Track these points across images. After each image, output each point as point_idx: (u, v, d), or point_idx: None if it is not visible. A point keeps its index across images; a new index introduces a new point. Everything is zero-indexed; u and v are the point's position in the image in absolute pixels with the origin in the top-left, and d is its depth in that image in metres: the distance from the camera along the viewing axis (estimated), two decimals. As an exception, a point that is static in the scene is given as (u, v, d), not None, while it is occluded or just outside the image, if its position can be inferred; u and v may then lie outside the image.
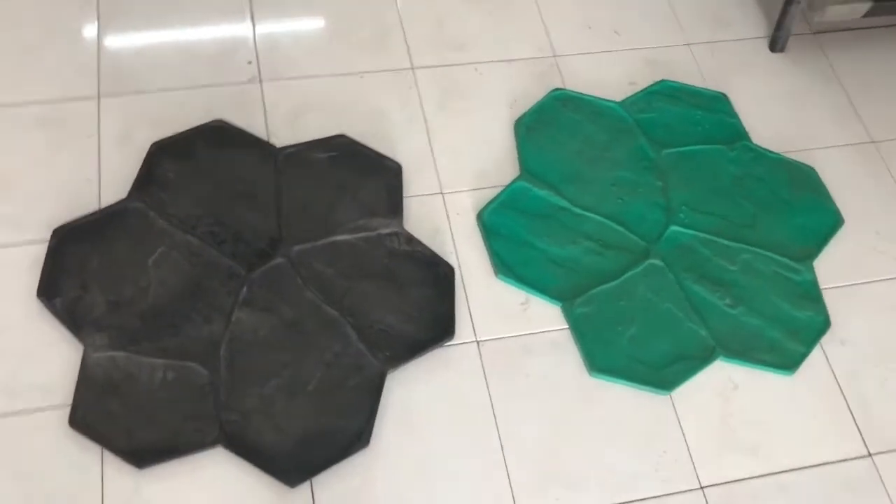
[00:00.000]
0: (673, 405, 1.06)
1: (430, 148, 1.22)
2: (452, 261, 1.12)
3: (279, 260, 1.08)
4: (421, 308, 1.07)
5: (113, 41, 1.26)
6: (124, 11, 1.29)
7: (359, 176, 1.17)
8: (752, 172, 1.26)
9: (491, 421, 1.02)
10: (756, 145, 1.29)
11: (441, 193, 1.19)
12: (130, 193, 1.11)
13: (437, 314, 1.07)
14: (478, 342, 1.07)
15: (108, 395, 0.97)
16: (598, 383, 1.06)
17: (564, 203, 1.18)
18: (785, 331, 1.12)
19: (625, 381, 1.06)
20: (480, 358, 1.06)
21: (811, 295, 1.16)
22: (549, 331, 1.09)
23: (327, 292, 1.07)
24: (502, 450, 1.00)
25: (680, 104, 1.32)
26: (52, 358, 0.99)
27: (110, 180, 1.13)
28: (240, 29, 1.30)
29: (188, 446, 0.94)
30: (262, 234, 1.10)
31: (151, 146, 1.15)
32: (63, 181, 1.12)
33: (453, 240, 1.15)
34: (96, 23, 1.27)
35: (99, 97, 1.20)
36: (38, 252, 1.06)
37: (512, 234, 1.15)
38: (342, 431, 0.98)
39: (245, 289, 1.05)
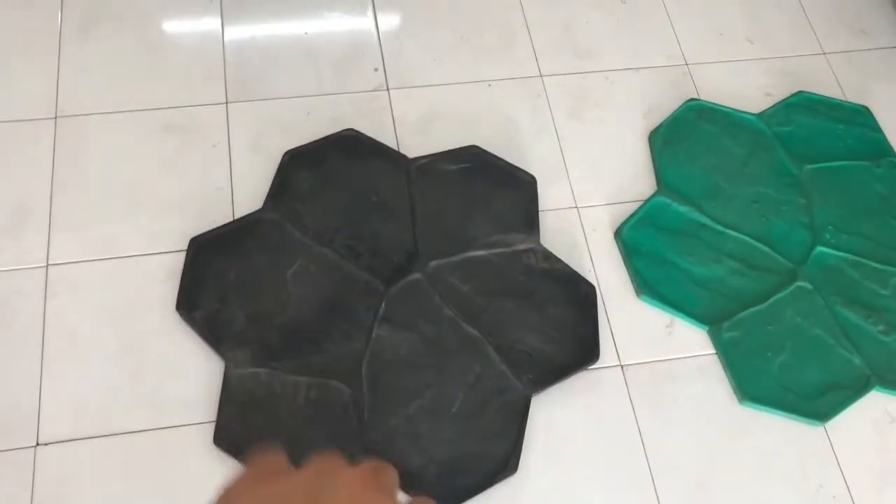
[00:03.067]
0: (828, 437, 1.01)
1: (562, 159, 1.18)
2: (591, 279, 1.08)
3: (416, 275, 1.05)
4: (562, 329, 1.04)
5: (237, 45, 1.24)
6: (248, 13, 1.27)
7: (492, 188, 1.13)
8: (899, 190, 1.20)
9: (640, 449, 0.98)
10: (903, 162, 1.23)
11: (576, 207, 1.14)
12: (266, 203, 1.08)
13: (579, 336, 1.03)
14: (622, 366, 1.03)
15: (251, 413, 0.95)
16: (748, 412, 1.01)
17: (706, 220, 1.14)
18: (944, 361, 1.06)
19: (777, 411, 1.01)
20: (625, 383, 1.02)
21: (969, 322, 1.09)
22: (695, 356, 1.05)
23: (465, 310, 1.03)
24: (652, 480, 0.96)
25: (820, 117, 1.26)
26: (193, 372, 0.98)
27: (243, 189, 1.11)
28: (364, 35, 1.27)
29: (334, 468, 0.92)
30: (399, 249, 1.07)
31: (284, 155, 1.12)
32: (195, 190, 1.11)
33: (591, 257, 1.11)
34: (220, 23, 1.25)
35: (227, 102, 1.18)
36: (174, 262, 1.04)
37: (652, 251, 1.11)
38: (488, 457, 0.95)
39: (384, 305, 1.02)
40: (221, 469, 0.92)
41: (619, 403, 1.01)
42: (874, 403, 1.04)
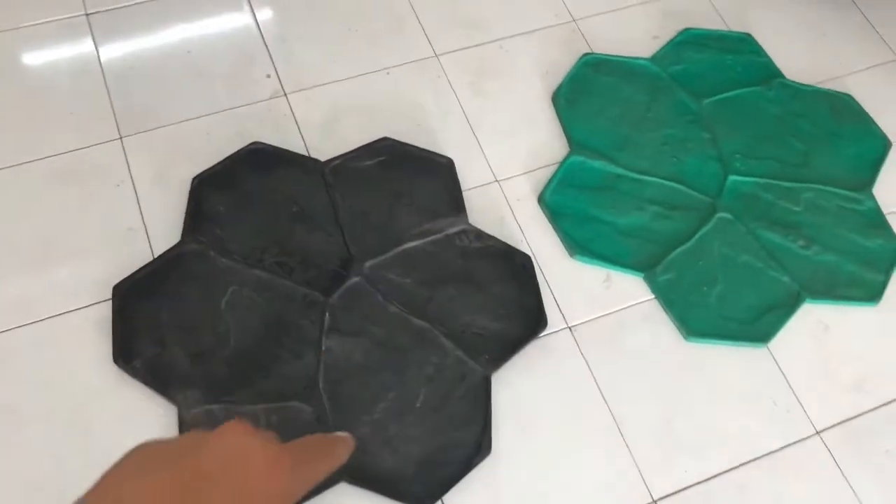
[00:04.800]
0: (772, 356, 1.06)
1: (473, 136, 1.18)
2: (525, 249, 1.09)
3: (354, 279, 1.04)
4: (508, 304, 1.05)
5: (118, 75, 1.18)
6: (122, 36, 1.21)
7: (411, 177, 1.12)
8: (792, 109, 1.25)
9: (601, 402, 1.00)
10: (790, 81, 1.28)
11: (496, 181, 1.15)
12: (184, 235, 1.05)
13: (525, 307, 1.05)
14: (570, 328, 1.05)
15: (215, 452, 0.92)
16: (696, 347, 1.05)
17: (621, 171, 1.16)
18: (861, 263, 1.12)
19: (722, 341, 1.05)
20: (576, 342, 1.04)
21: (877, 223, 1.16)
22: (636, 304, 1.08)
23: (411, 304, 1.03)
24: (619, 431, 0.99)
25: (708, 51, 1.30)
26: (145, 423, 0.94)
27: (157, 225, 1.06)
28: (250, 42, 1.23)
29: (309, 493, 0.91)
30: (331, 256, 1.05)
31: (193, 181, 1.08)
32: (106, 235, 1.05)
33: (520, 227, 1.12)
34: (95, 54, 1.19)
35: (121, 137, 1.13)
36: (100, 314, 1.00)
37: (577, 211, 1.12)
38: (460, 444, 0.95)
39: (328, 315, 1.01)
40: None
41: (574, 364, 1.03)
42: (807, 316, 1.09)
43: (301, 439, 0.37)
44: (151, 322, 0.99)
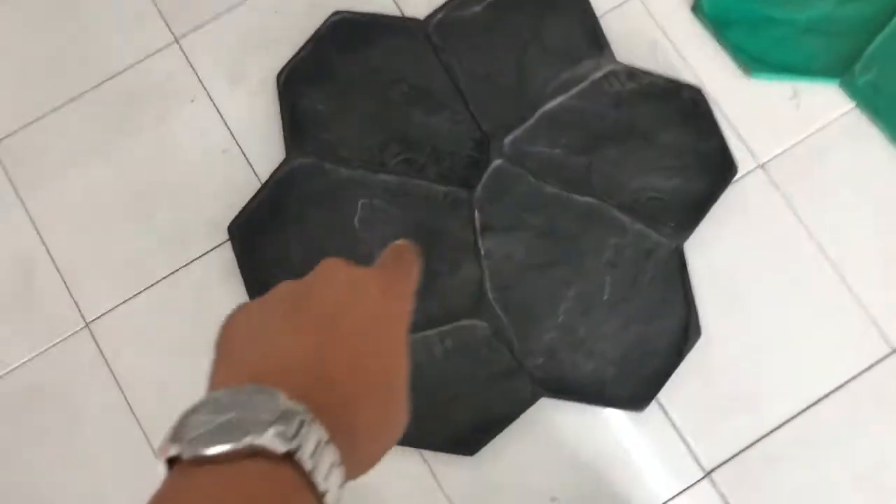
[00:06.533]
0: None
1: (595, -58, 0.94)
2: (689, 79, 0.90)
3: (496, 162, 0.87)
4: (683, 153, 0.87)
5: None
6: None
7: (535, 17, 0.91)
8: None
9: (815, 251, 0.85)
10: None
11: (637, -4, 0.92)
12: (288, 149, 0.88)
13: (704, 153, 0.87)
14: (761, 166, 0.88)
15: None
16: (915, 158, 0.87)
17: (790, -51, 0.91)
18: None
19: (947, 146, 0.87)
20: (772, 183, 0.87)
21: None
22: (834, 119, 0.89)
23: (568, 179, 0.87)
24: (840, 277, 0.85)
25: None
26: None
27: (252, 140, 0.90)
28: None
29: (512, 411, 0.82)
30: (461, 139, 0.88)
31: (278, 77, 0.90)
32: (199, 166, 0.90)
33: (678, 52, 0.91)
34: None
35: (177, 40, 0.94)
36: (222, 258, 0.87)
37: (744, 14, 0.90)
38: (663, 333, 0.83)
39: (477, 213, 0.86)
40: (401, 464, 0.82)
41: (773, 210, 0.87)
42: None
43: (381, 260, 0.36)
44: (281, 258, 0.86)
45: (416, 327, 0.83)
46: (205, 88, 0.92)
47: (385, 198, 0.87)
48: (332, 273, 0.33)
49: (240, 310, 0.33)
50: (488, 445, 0.81)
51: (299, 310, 0.32)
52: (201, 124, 0.91)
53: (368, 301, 0.32)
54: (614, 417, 0.82)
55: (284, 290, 0.33)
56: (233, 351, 0.31)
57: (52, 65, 0.93)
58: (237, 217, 0.87)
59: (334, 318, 0.31)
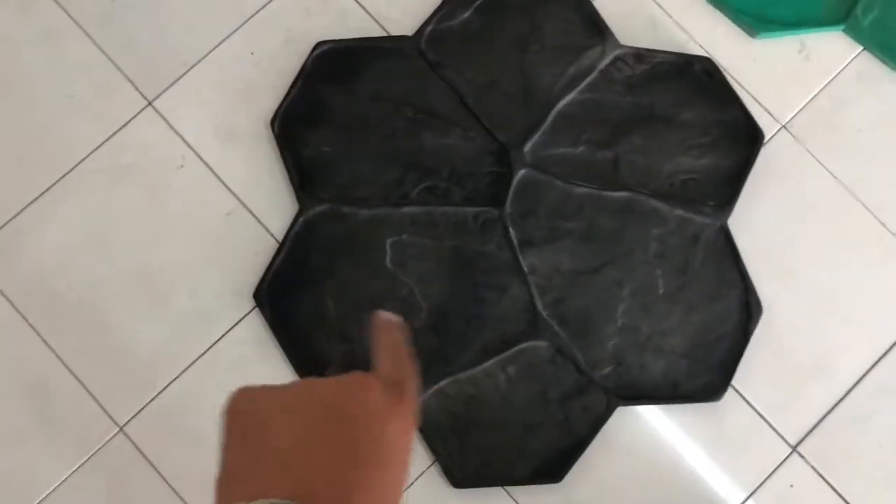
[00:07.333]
0: None
1: (570, -77, 0.89)
2: (697, 51, 0.87)
3: (521, 172, 0.83)
4: (706, 127, 0.84)
5: (99, 19, 0.88)
6: None
7: (529, 13, 0.86)
8: None
9: (853, 203, 0.84)
10: None
11: (625, -27, 0.89)
12: (300, 199, 0.82)
13: (727, 123, 0.84)
14: (784, 127, 0.86)
15: (464, 432, 0.79)
16: (934, 92, 0.86)
17: None
18: None
19: (961, 73, 0.86)
20: (798, 141, 0.85)
21: None
22: (846, 66, 0.87)
23: (597, 176, 0.83)
24: (883, 225, 0.84)
25: None
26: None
27: (256, 196, 0.84)
28: None
29: (591, 428, 0.78)
30: (480, 155, 0.83)
31: (271, 123, 0.83)
32: (205, 235, 0.84)
33: (679, 25, 0.88)
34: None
35: (150, 103, 0.86)
36: (252, 328, 0.82)
37: (738, -25, 0.87)
38: (726, 314, 0.81)
39: (511, 229, 0.82)
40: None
41: (805, 168, 0.85)
42: None
43: (383, 363, 0.36)
44: (316, 316, 0.81)
45: (473, 362, 0.79)
46: (192, 150, 0.85)
47: (413, 232, 0.82)
48: (366, 392, 0.33)
49: (254, 394, 0.33)
50: (573, 468, 0.78)
51: (335, 427, 0.32)
52: (197, 190, 0.84)
53: (394, 434, 0.33)
54: (692, 412, 0.80)
55: (314, 392, 0.33)
56: (261, 450, 0.32)
57: (20, 159, 0.85)
58: (261, 282, 0.81)
59: (369, 453, 0.32)
